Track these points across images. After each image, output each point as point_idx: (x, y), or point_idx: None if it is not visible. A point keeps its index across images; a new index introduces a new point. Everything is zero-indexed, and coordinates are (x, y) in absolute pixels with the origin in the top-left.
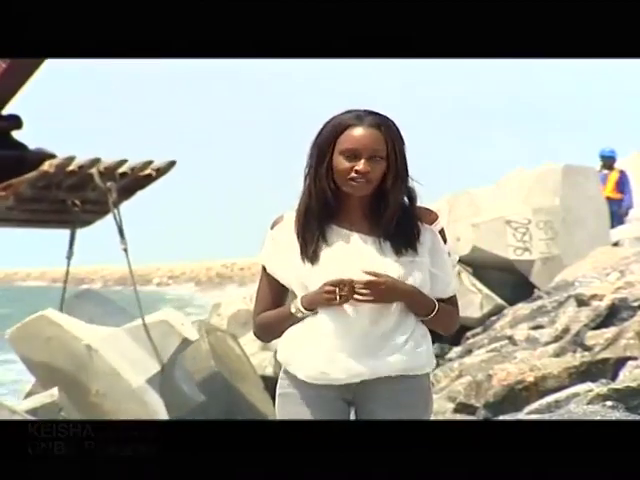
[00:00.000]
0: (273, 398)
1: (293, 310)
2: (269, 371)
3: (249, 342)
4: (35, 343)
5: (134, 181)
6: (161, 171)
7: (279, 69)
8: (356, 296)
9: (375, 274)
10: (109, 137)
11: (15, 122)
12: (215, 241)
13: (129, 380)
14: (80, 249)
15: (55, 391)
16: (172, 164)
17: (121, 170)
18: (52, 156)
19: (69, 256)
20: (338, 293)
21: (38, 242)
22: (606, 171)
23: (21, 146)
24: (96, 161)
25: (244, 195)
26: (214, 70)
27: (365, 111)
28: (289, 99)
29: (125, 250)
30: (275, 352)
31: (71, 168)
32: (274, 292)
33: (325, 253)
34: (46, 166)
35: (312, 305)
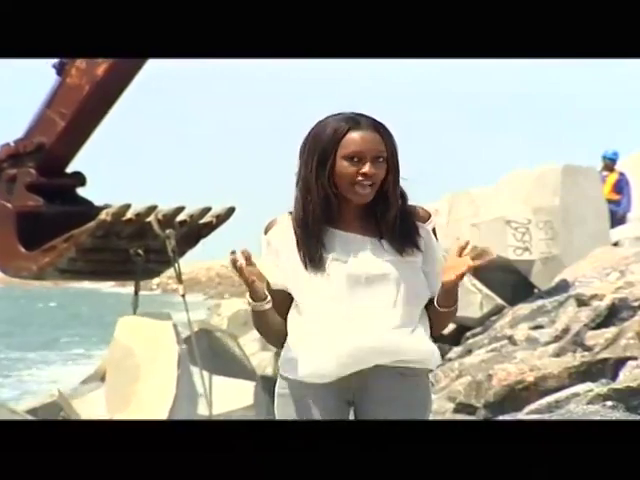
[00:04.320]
0: (273, 398)
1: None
2: (269, 371)
3: (249, 342)
4: (140, 335)
5: (195, 229)
6: (221, 218)
7: (278, 69)
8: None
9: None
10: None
11: (78, 179)
12: (215, 241)
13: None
14: None
15: (55, 391)
16: (231, 211)
17: (180, 218)
18: None
19: (135, 305)
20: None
21: None
22: (605, 172)
23: (86, 202)
24: (153, 208)
25: (244, 195)
26: (213, 70)
27: (355, 113)
28: (289, 100)
29: (183, 296)
30: (275, 352)
31: (128, 216)
32: (272, 296)
33: (325, 256)
34: (103, 215)
35: (250, 293)
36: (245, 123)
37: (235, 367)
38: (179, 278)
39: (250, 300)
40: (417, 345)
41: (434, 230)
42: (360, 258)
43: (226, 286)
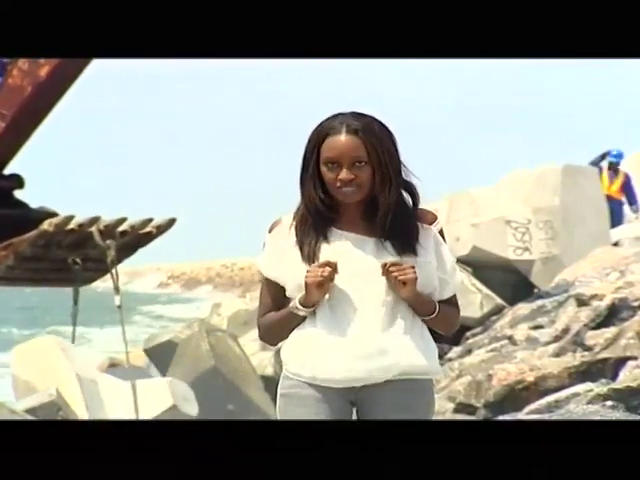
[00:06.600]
0: (273, 398)
1: (291, 307)
2: (269, 371)
3: (249, 342)
4: (36, 363)
5: (135, 239)
6: (161, 228)
7: (278, 69)
8: (393, 274)
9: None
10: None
11: (16, 182)
12: (215, 241)
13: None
14: None
15: (53, 391)
16: (172, 222)
17: (121, 228)
18: (54, 214)
19: (74, 314)
20: (320, 273)
21: None
22: (607, 171)
23: (23, 205)
24: (95, 219)
25: (244, 195)
26: (212, 70)
27: (346, 116)
28: (289, 100)
29: (119, 307)
30: (275, 352)
31: (70, 227)
32: (276, 295)
33: (326, 255)
34: (46, 225)
35: (307, 299)
36: (243, 124)
37: (235, 367)
38: (117, 289)
39: (299, 306)
40: (420, 359)
41: (441, 232)
42: (362, 257)
43: (226, 286)
